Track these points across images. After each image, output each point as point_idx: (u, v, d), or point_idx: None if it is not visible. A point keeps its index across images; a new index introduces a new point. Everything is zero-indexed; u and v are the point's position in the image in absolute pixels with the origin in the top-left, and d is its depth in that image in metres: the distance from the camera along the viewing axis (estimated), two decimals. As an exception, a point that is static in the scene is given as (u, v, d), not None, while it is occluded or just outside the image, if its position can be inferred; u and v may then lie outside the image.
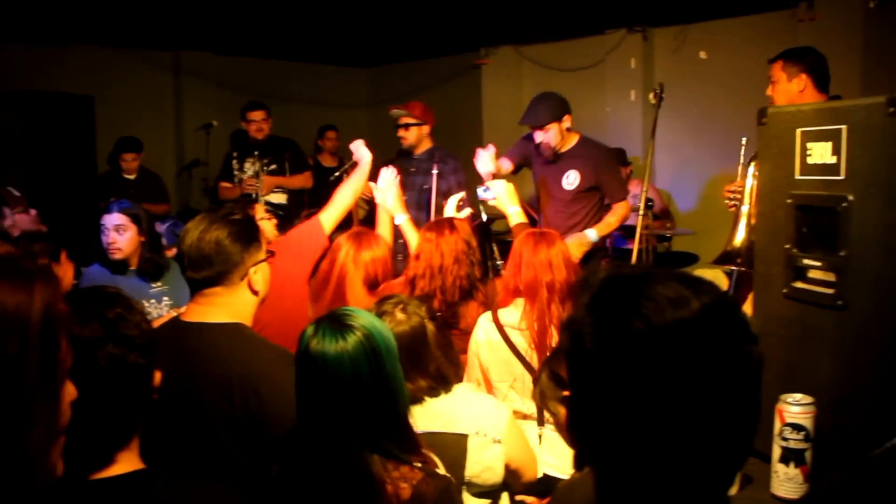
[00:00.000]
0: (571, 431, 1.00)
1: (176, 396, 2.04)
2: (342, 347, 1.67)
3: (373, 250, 3.25)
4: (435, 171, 4.52)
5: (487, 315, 2.96)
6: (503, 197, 3.76)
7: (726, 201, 3.56)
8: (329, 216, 3.42)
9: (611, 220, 4.33)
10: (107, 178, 6.35)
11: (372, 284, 3.22)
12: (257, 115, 6.07)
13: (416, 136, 4.82)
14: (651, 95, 4.10)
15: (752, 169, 3.22)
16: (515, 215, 3.69)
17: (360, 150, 3.90)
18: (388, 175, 3.85)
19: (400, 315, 2.21)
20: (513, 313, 2.89)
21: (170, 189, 6.95)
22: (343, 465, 1.65)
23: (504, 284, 3.02)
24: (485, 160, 4.18)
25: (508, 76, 8.09)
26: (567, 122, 4.33)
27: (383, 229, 3.80)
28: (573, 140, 4.40)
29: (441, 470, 1.80)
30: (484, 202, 3.95)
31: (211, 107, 7.80)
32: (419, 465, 1.73)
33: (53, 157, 6.18)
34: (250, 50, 8.14)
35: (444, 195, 4.47)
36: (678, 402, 0.86)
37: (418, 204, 4.68)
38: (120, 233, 3.58)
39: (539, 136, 4.33)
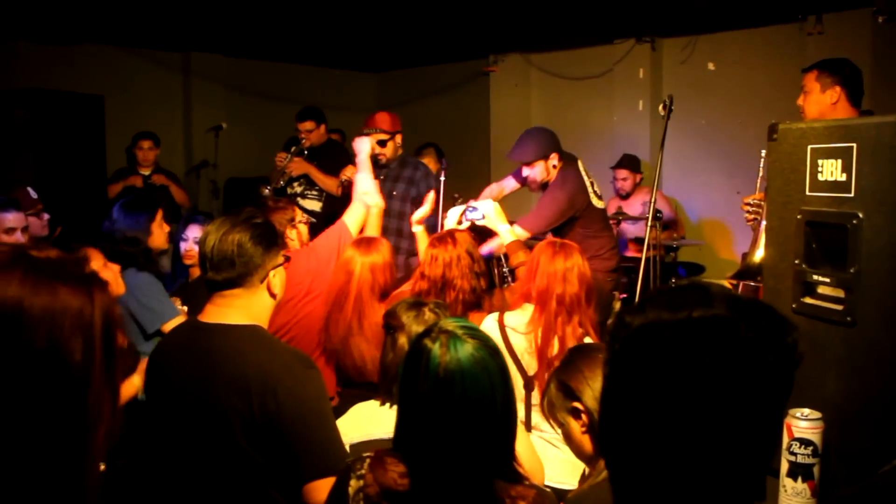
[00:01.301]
0: (601, 426, 1.02)
1: (193, 397, 2.07)
2: (478, 361, 1.57)
3: (382, 255, 3.29)
4: (443, 179, 4.52)
5: (494, 315, 3.03)
6: (492, 216, 3.87)
7: (745, 214, 3.47)
8: (353, 219, 3.64)
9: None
10: (123, 173, 6.46)
11: (384, 293, 3.26)
12: (304, 126, 6.02)
13: (392, 149, 4.84)
14: (660, 107, 4.11)
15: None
16: (506, 233, 3.80)
17: (359, 145, 4.13)
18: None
19: (430, 315, 2.31)
20: (519, 317, 2.95)
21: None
22: (473, 488, 1.58)
23: (518, 288, 3.06)
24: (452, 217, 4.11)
25: (517, 84, 8.11)
26: (554, 159, 4.34)
27: (372, 230, 3.84)
28: (555, 175, 4.38)
29: None
30: (472, 223, 3.96)
31: (220, 108, 7.83)
32: (527, 482, 1.68)
33: (63, 156, 6.19)
34: (260, 53, 8.17)
35: (413, 201, 4.56)
36: (714, 400, 0.89)
37: (389, 212, 4.58)
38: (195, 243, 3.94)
39: (525, 171, 4.42)
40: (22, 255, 0.91)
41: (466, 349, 1.57)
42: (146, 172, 6.43)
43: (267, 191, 5.69)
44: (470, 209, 3.91)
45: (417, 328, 2.26)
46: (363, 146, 4.15)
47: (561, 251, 2.95)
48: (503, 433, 1.63)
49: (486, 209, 3.87)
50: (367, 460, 1.69)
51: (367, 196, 3.86)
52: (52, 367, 0.87)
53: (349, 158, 6.35)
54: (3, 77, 6.22)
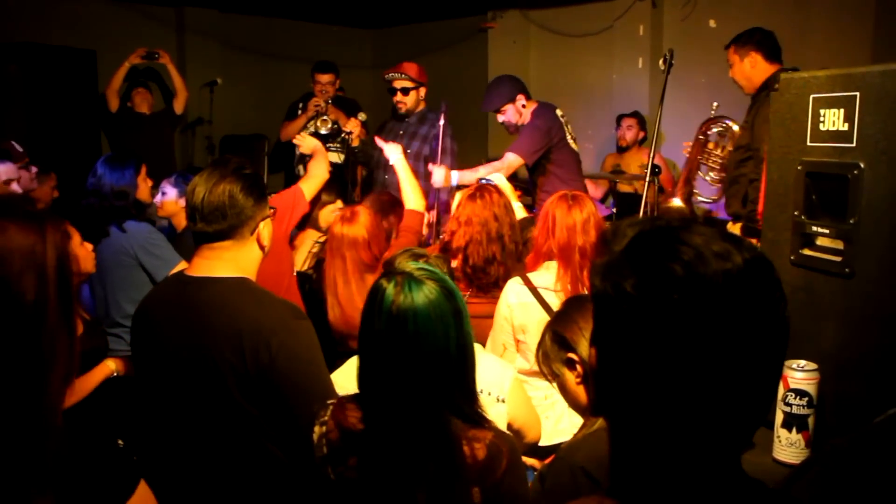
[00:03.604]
0: (595, 379, 1.00)
1: (184, 352, 2.04)
2: (432, 302, 1.60)
3: (359, 230, 3.27)
4: (442, 122, 4.53)
5: (516, 279, 2.98)
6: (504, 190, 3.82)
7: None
8: (308, 186, 3.67)
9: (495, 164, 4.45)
10: (121, 114, 6.56)
11: (371, 266, 3.25)
12: (323, 78, 6.11)
13: (414, 100, 4.79)
14: (660, 62, 4.08)
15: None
16: (517, 209, 3.75)
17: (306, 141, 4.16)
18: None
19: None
20: (546, 276, 2.92)
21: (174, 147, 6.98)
22: (425, 427, 1.61)
23: (536, 247, 3.02)
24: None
25: (515, 41, 8.00)
26: (521, 100, 4.61)
27: (413, 188, 3.80)
28: (528, 113, 4.63)
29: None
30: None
31: (215, 65, 7.72)
32: (488, 424, 1.70)
33: (55, 111, 6.15)
34: (255, 8, 8.05)
35: (425, 160, 4.56)
36: (711, 354, 0.86)
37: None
38: None
39: (500, 118, 4.69)
40: None
41: (421, 289, 1.61)
42: (146, 112, 6.62)
43: (323, 130, 5.68)
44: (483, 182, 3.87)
45: None
46: (310, 143, 4.12)
47: (575, 204, 2.92)
48: (458, 373, 1.66)
49: (498, 183, 3.85)
50: (330, 407, 1.74)
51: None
52: (3, 306, 0.84)
53: (357, 107, 6.32)
54: (-6, 31, 6.14)
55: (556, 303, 2.84)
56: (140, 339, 2.20)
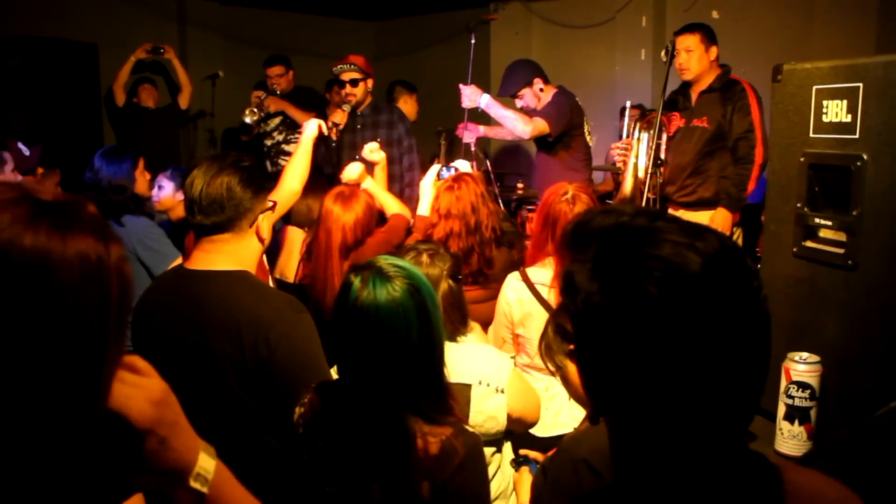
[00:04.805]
0: (583, 385, 1.00)
1: (183, 345, 2.04)
2: (395, 299, 1.63)
3: (355, 212, 3.25)
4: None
5: (515, 275, 2.98)
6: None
7: (616, 156, 4.48)
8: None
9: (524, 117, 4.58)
10: (126, 109, 6.56)
11: (350, 249, 3.23)
12: (273, 71, 6.17)
13: (363, 90, 4.75)
14: (662, 53, 4.06)
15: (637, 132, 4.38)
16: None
17: (309, 126, 3.65)
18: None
19: (426, 260, 2.27)
20: (543, 272, 2.91)
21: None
22: (381, 417, 1.64)
23: (534, 243, 3.01)
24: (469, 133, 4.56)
25: (517, 32, 7.98)
26: (538, 83, 4.68)
27: (381, 183, 3.79)
28: (549, 96, 4.69)
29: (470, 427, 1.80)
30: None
31: (216, 57, 7.71)
32: (451, 419, 1.72)
33: (58, 105, 6.15)
34: (256, 0, 8.02)
35: (396, 143, 4.58)
36: (691, 355, 0.86)
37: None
38: None
39: (519, 103, 4.75)
40: (27, 197, 0.84)
41: (385, 286, 1.64)
42: (151, 107, 6.65)
43: (249, 119, 5.69)
44: (446, 169, 3.84)
45: None
46: (310, 127, 3.53)
47: (575, 203, 2.90)
48: (420, 369, 1.67)
49: (462, 167, 3.86)
50: (311, 390, 1.79)
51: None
52: (71, 319, 0.82)
53: (321, 102, 6.32)
54: (-4, 25, 6.13)
55: (553, 299, 2.84)
56: (139, 332, 2.19)
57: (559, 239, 2.78)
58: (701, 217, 3.97)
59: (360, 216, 3.24)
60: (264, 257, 3.49)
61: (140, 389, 0.94)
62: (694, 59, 4.25)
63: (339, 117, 4.84)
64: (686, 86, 4.43)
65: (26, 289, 0.79)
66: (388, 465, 1.63)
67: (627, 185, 4.32)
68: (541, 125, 4.51)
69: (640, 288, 0.86)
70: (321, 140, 3.91)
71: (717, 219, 4.09)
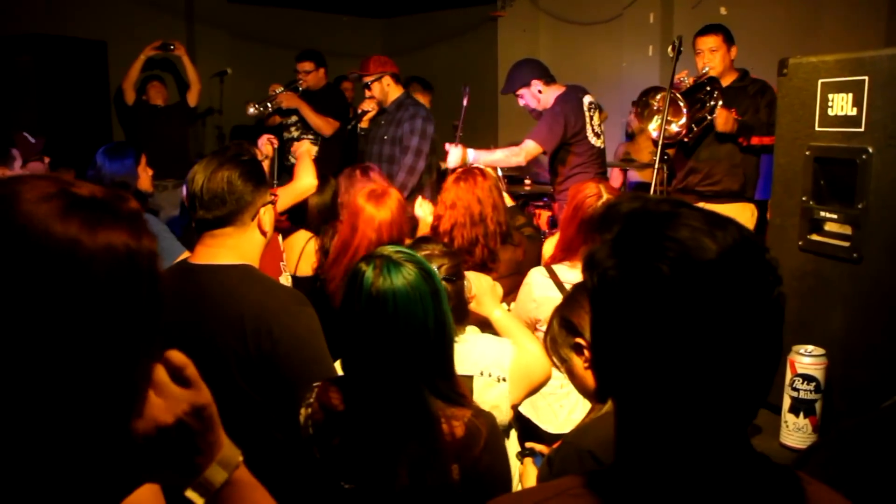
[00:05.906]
0: (594, 366, 1.01)
1: (187, 339, 2.04)
2: (411, 283, 1.64)
3: (390, 209, 3.20)
4: (465, 103, 4.67)
5: (541, 271, 2.97)
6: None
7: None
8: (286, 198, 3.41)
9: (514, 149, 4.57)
10: (136, 107, 6.57)
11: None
12: (303, 66, 6.13)
13: (379, 90, 4.83)
14: (669, 49, 4.06)
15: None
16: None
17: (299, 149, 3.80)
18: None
19: (432, 248, 2.33)
20: (571, 272, 2.90)
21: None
22: (405, 405, 1.65)
23: (563, 240, 3.01)
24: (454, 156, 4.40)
25: (525, 29, 7.98)
26: (537, 85, 4.63)
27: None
28: (550, 98, 4.64)
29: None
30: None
31: (224, 55, 7.74)
32: (466, 401, 1.75)
33: (67, 102, 6.18)
34: (265, -2, 8.07)
35: (398, 142, 4.62)
36: (698, 339, 0.87)
37: (380, 156, 4.73)
38: None
39: (520, 101, 4.76)
40: (64, 192, 0.85)
41: (400, 271, 1.65)
42: (160, 105, 6.64)
43: (252, 110, 5.70)
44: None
45: None
46: (301, 149, 3.80)
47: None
48: (437, 354, 1.69)
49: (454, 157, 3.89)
50: (316, 389, 1.78)
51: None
52: (98, 310, 0.83)
53: (344, 106, 6.34)
54: (6, 23, 6.15)
55: None
56: None
57: (588, 224, 2.77)
58: (727, 210, 3.97)
59: (395, 214, 3.19)
60: (284, 256, 3.52)
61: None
62: (717, 58, 4.43)
63: (369, 105, 4.93)
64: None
65: (54, 278, 0.81)
66: (414, 448, 1.63)
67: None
68: (532, 149, 4.49)
69: (652, 266, 0.87)
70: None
71: (737, 212, 4.09)
